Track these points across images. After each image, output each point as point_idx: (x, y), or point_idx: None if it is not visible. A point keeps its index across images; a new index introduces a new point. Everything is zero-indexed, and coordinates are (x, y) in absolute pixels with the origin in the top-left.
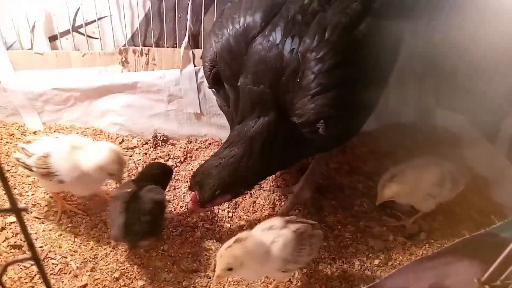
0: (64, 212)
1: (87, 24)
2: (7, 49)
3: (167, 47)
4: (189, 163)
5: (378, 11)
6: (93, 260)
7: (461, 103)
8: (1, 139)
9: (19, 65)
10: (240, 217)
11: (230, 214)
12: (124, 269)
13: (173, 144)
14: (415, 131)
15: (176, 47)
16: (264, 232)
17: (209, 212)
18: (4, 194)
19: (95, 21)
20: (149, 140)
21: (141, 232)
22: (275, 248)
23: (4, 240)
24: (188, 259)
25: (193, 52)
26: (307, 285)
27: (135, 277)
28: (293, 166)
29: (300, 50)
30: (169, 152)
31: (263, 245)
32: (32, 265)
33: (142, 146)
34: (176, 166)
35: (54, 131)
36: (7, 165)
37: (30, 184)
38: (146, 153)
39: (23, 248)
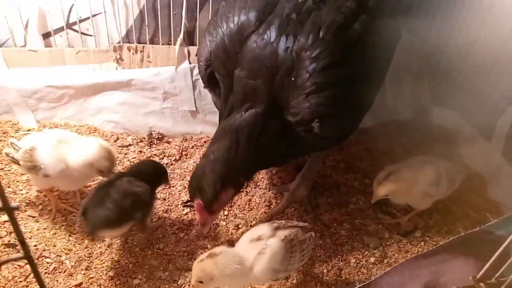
0: (59, 210)
1: (81, 21)
2: (0, 46)
3: (162, 44)
4: (185, 161)
5: (373, 9)
6: (88, 258)
7: (457, 101)
8: None
9: (12, 63)
10: (236, 215)
11: (226, 212)
12: (119, 267)
13: (168, 142)
14: (411, 129)
15: (171, 44)
16: (251, 244)
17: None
18: None
19: (89, 18)
20: (144, 138)
21: (99, 219)
22: (263, 259)
23: None
24: (183, 257)
25: (188, 49)
26: (303, 282)
27: (130, 275)
28: (289, 164)
29: (295, 49)
30: (164, 150)
31: (239, 262)
32: (26, 264)
33: (137, 144)
34: (172, 164)
35: (48, 129)
36: (1, 163)
37: (24, 183)
38: (141, 151)
39: (17, 247)
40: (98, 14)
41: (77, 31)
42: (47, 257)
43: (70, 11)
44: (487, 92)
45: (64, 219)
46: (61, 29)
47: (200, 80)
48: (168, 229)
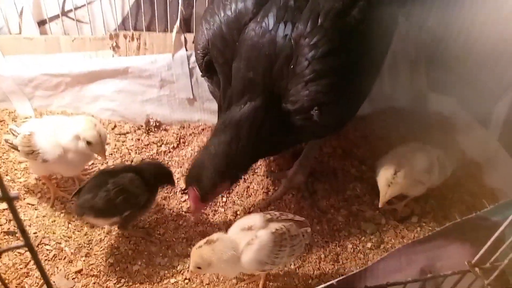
0: (57, 198)
1: (76, 8)
2: None
3: (159, 32)
4: (182, 149)
5: None
6: (88, 245)
7: (454, 88)
8: None
9: (7, 50)
10: (234, 202)
11: (224, 199)
12: (118, 254)
13: (166, 130)
14: (408, 116)
15: (167, 31)
16: (241, 232)
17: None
18: None
19: (84, 5)
20: (142, 126)
21: (87, 204)
22: (251, 250)
23: None
24: (182, 243)
25: (185, 37)
26: (301, 268)
27: (129, 262)
28: (287, 151)
29: (293, 36)
30: (162, 138)
31: (235, 248)
32: (26, 251)
33: (135, 131)
34: (169, 152)
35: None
36: None
37: (22, 171)
38: (139, 139)
39: (17, 235)
40: (94, 1)
41: (73, 19)
42: (47, 244)
43: None
44: (484, 79)
45: (63, 206)
46: (56, 17)
47: (197, 68)
48: (167, 216)
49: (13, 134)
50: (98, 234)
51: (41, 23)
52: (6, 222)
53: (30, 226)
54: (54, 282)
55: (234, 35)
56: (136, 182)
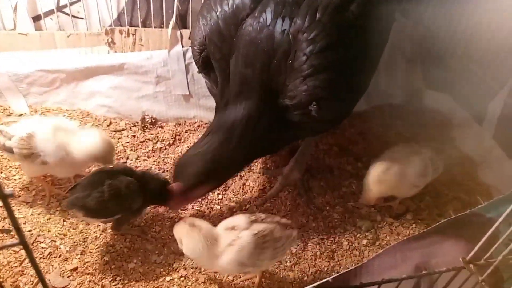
0: (52, 195)
1: (71, 3)
2: None
3: (154, 27)
4: (178, 146)
5: None
6: (83, 243)
7: (450, 85)
8: None
9: (2, 46)
10: (230, 199)
11: (220, 197)
12: (114, 252)
13: (162, 127)
14: (404, 112)
15: (163, 27)
16: (225, 232)
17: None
18: None
19: (80, 0)
20: (137, 123)
21: (79, 200)
22: (231, 251)
23: None
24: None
25: (181, 33)
26: (296, 265)
27: (125, 259)
28: (283, 149)
29: (291, 31)
30: (158, 135)
31: (209, 244)
32: (21, 249)
33: (130, 128)
34: (165, 149)
35: (40, 113)
36: None
37: (17, 168)
38: (134, 136)
39: (11, 233)
40: None
41: (68, 14)
42: (42, 242)
43: None
44: (479, 75)
45: (58, 204)
46: (51, 12)
47: (193, 64)
48: (162, 213)
49: (5, 136)
50: (94, 232)
51: (36, 18)
52: (1, 220)
53: (25, 224)
54: (49, 280)
55: (231, 31)
56: (132, 188)
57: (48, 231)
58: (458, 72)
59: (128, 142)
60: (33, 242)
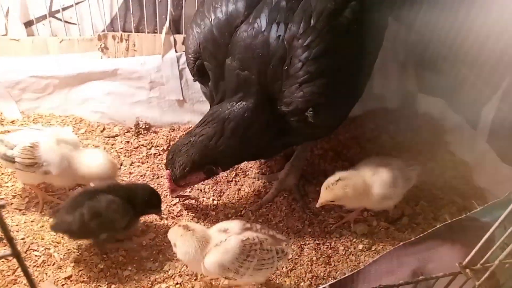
0: (46, 203)
1: (64, 9)
2: None
3: (148, 33)
4: None
5: None
6: (77, 251)
7: (443, 89)
8: None
9: None
10: (225, 204)
11: (215, 202)
12: (108, 259)
13: (156, 132)
14: (398, 117)
15: (157, 32)
16: (217, 233)
17: (194, 201)
18: None
19: (72, 6)
20: (131, 128)
21: (62, 224)
22: (215, 252)
23: None
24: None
25: (174, 38)
26: (292, 270)
27: (120, 267)
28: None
29: (286, 37)
30: (152, 140)
31: (201, 247)
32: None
33: (124, 134)
34: (159, 155)
35: (33, 120)
36: None
37: (9, 175)
38: (128, 142)
39: (4, 241)
40: (82, 1)
41: (60, 20)
42: (35, 250)
43: None
44: (472, 80)
45: (51, 211)
46: (43, 17)
47: (187, 69)
48: (157, 219)
49: (6, 146)
50: (88, 239)
51: (28, 24)
52: None
53: (18, 231)
54: None
55: (225, 38)
56: (113, 206)
57: (42, 239)
58: (451, 77)
59: (122, 148)
60: (27, 250)
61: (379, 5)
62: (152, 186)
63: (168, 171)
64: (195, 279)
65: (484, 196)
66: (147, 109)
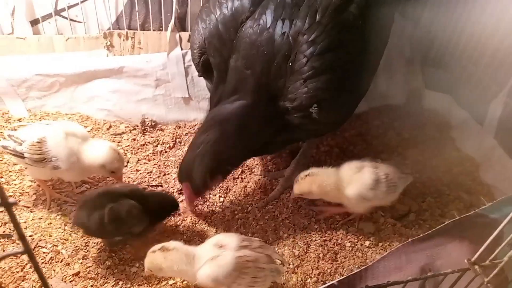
0: (53, 200)
1: (69, 7)
2: None
3: (153, 30)
4: (179, 149)
5: None
6: (85, 248)
7: (449, 85)
8: None
9: (0, 51)
10: (232, 201)
11: (222, 199)
12: (116, 256)
13: (162, 130)
14: (404, 113)
15: (162, 30)
16: (212, 247)
17: (200, 197)
18: None
19: (78, 4)
20: (137, 126)
21: (81, 220)
22: (210, 265)
23: None
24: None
25: (179, 35)
26: (299, 267)
27: (127, 264)
28: (284, 150)
29: (291, 33)
30: (158, 138)
31: (190, 262)
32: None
33: (130, 132)
34: (166, 152)
35: (40, 118)
36: None
37: (17, 173)
38: (134, 139)
39: (12, 238)
40: None
41: (66, 18)
42: (43, 247)
43: None
44: (479, 76)
45: (59, 208)
46: (49, 16)
47: (193, 66)
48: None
49: (15, 141)
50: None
51: (34, 22)
52: (1, 225)
53: (26, 228)
54: (51, 285)
55: (231, 34)
56: (134, 212)
57: (50, 236)
58: (457, 73)
59: (128, 146)
60: (35, 247)
61: (385, 1)
62: (158, 182)
63: (185, 186)
64: None
65: (491, 192)
66: (153, 107)
